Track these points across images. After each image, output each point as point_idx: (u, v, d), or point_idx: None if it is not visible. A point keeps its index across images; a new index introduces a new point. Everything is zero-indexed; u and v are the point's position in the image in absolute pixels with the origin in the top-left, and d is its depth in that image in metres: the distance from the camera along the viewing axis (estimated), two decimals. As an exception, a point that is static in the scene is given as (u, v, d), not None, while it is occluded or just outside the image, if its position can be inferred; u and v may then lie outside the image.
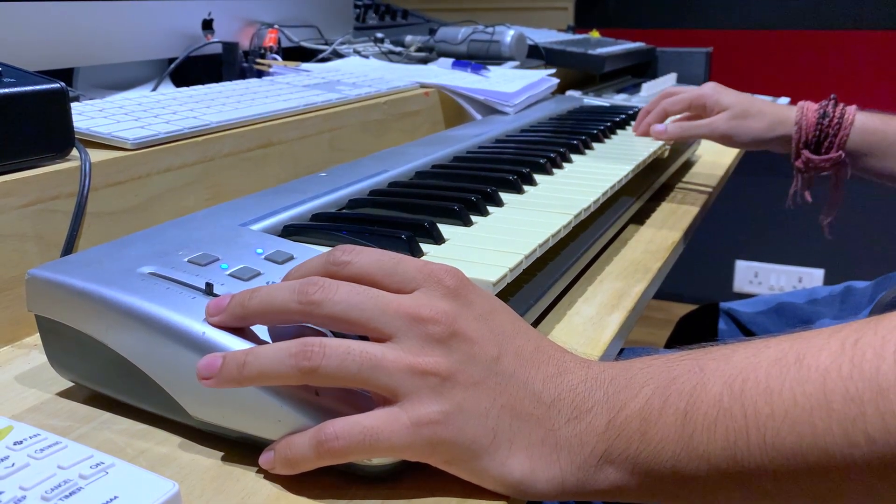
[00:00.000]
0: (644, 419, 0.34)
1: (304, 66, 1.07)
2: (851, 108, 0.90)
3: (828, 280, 2.47)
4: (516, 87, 1.10)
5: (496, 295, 0.48)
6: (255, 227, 0.53)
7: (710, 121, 0.92)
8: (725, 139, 0.93)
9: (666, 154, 0.98)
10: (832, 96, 0.91)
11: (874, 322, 0.33)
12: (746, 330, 1.00)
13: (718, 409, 0.33)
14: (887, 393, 0.30)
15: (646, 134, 0.97)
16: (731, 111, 0.91)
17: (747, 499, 0.34)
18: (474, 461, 0.35)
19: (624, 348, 0.74)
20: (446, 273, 0.38)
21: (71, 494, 0.31)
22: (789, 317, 0.99)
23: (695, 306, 1.15)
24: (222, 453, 0.39)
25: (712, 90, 0.94)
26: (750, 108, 0.91)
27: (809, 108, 0.90)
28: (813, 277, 2.49)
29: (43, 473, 0.32)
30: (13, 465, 0.32)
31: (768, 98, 1.50)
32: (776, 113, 0.92)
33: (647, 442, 0.34)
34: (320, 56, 1.17)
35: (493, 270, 0.49)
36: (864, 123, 0.88)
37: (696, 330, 1.04)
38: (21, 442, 0.34)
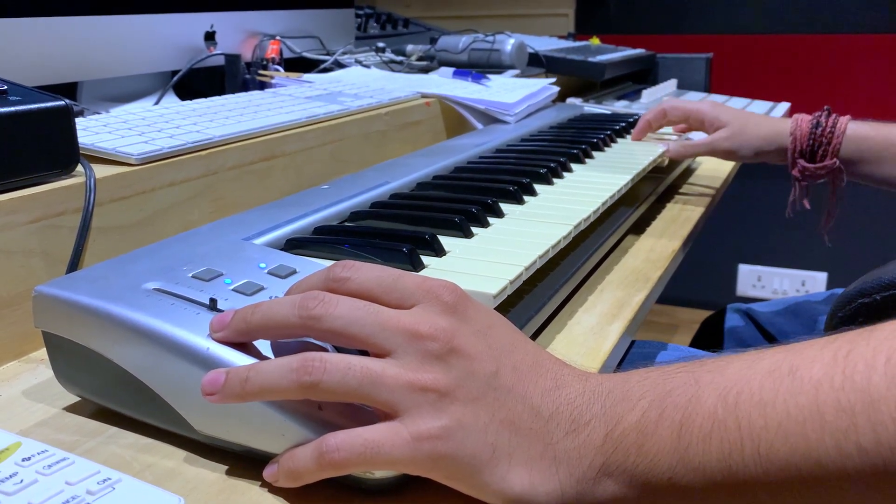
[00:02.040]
0: (641, 432, 0.35)
1: (307, 76, 1.07)
2: (844, 118, 0.93)
3: (831, 283, 2.47)
4: (517, 96, 1.10)
5: (497, 307, 0.48)
6: (259, 241, 0.54)
7: (711, 140, 0.96)
8: (727, 155, 0.96)
9: (666, 162, 0.99)
10: (825, 107, 0.94)
11: (867, 333, 0.33)
12: (763, 330, 1.01)
13: (713, 421, 0.34)
14: (878, 404, 0.30)
15: (642, 136, 1.00)
16: (729, 128, 0.95)
17: None
18: (474, 476, 0.35)
19: (635, 340, 0.75)
20: (444, 289, 0.38)
21: (79, 510, 0.32)
22: (805, 317, 1.00)
23: (698, 311, 1.16)
24: (227, 467, 0.40)
25: (710, 107, 0.97)
26: (747, 123, 0.95)
27: (803, 119, 0.93)
28: (816, 281, 2.49)
29: (51, 490, 0.33)
30: (22, 481, 0.33)
31: (768, 103, 1.51)
32: (773, 126, 0.95)
33: (644, 455, 0.35)
34: (322, 66, 1.18)
35: (494, 283, 0.49)
36: (856, 131, 0.91)
37: (719, 331, 1.06)
38: (29, 458, 0.35)
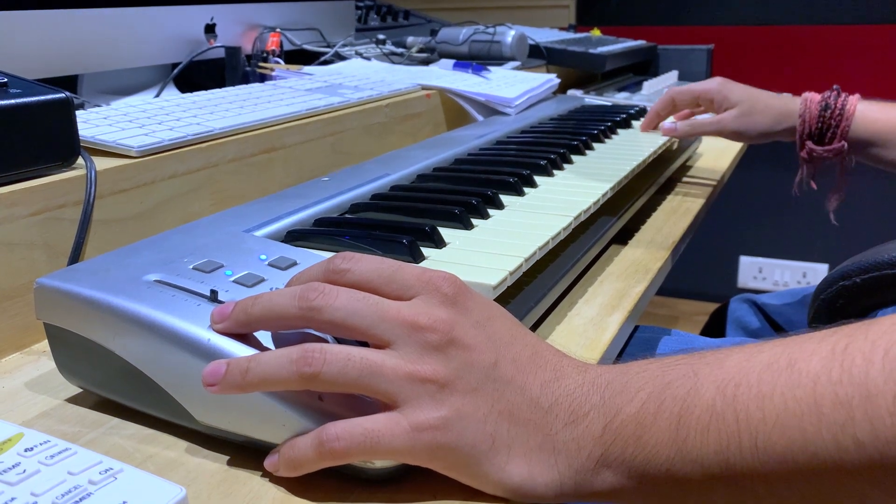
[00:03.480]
0: (639, 423, 0.35)
1: (307, 69, 1.07)
2: (853, 98, 0.92)
3: (832, 275, 2.46)
4: (517, 88, 1.10)
5: (497, 298, 0.48)
6: (259, 232, 0.54)
7: (719, 119, 0.95)
8: (735, 136, 0.96)
9: (675, 146, 0.99)
10: (835, 87, 0.93)
11: (865, 327, 0.33)
12: (772, 321, 1.01)
13: (711, 413, 0.34)
14: (876, 398, 0.30)
15: (653, 127, 0.99)
16: (738, 109, 0.94)
17: (741, 501, 0.34)
18: (474, 466, 0.36)
19: (639, 325, 0.75)
20: (444, 280, 0.38)
21: (81, 500, 0.32)
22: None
23: (699, 303, 1.16)
24: (228, 457, 0.40)
25: (719, 85, 0.97)
26: (756, 103, 0.94)
27: (812, 101, 0.93)
28: (817, 272, 2.49)
29: (53, 480, 0.33)
30: (24, 471, 0.33)
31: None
32: (782, 106, 0.94)
33: (643, 446, 0.35)
34: (322, 59, 1.17)
35: (494, 274, 0.49)
36: (865, 113, 0.91)
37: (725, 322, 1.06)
38: (32, 448, 0.35)
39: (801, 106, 0.93)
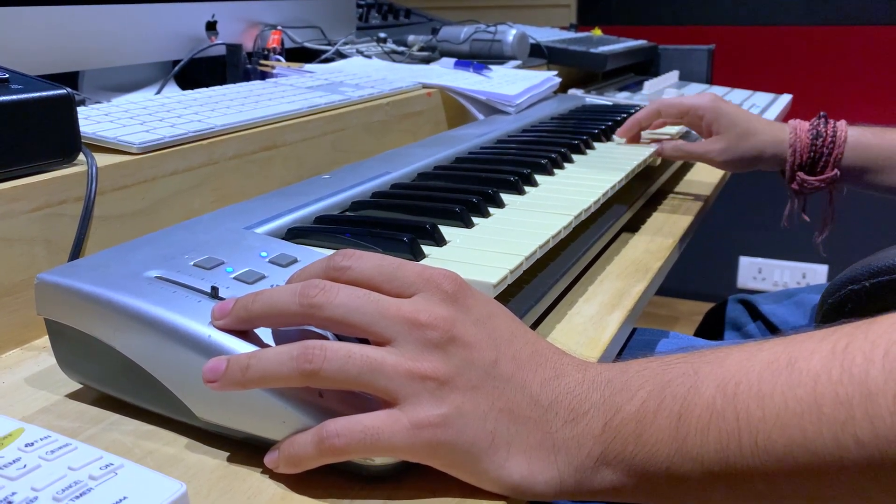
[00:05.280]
0: (639, 422, 0.35)
1: (308, 66, 1.07)
2: (842, 124, 0.88)
3: (832, 275, 2.46)
4: (518, 87, 1.10)
5: (497, 296, 0.48)
6: (260, 230, 0.54)
7: (706, 150, 0.91)
8: (721, 166, 0.92)
9: (658, 162, 0.98)
10: (822, 114, 0.89)
11: (865, 326, 0.33)
12: (766, 320, 1.01)
13: (711, 412, 0.34)
14: (876, 397, 0.31)
15: (631, 134, 0.94)
16: (726, 137, 0.89)
17: (741, 499, 0.34)
18: (473, 464, 0.36)
19: (636, 328, 0.74)
20: (445, 278, 0.38)
21: (81, 495, 0.32)
22: (807, 307, 1.00)
23: (698, 303, 1.16)
24: (228, 453, 0.40)
25: (711, 103, 0.91)
26: (744, 135, 0.89)
27: (802, 129, 0.89)
28: (817, 273, 2.49)
29: (54, 475, 0.33)
30: (25, 466, 0.33)
31: (770, 95, 1.51)
32: (770, 134, 0.90)
33: (643, 444, 0.35)
34: (323, 57, 1.17)
35: (494, 272, 0.49)
36: (858, 140, 0.87)
37: (722, 322, 1.05)
38: (32, 444, 0.35)
39: (791, 136, 0.88)
